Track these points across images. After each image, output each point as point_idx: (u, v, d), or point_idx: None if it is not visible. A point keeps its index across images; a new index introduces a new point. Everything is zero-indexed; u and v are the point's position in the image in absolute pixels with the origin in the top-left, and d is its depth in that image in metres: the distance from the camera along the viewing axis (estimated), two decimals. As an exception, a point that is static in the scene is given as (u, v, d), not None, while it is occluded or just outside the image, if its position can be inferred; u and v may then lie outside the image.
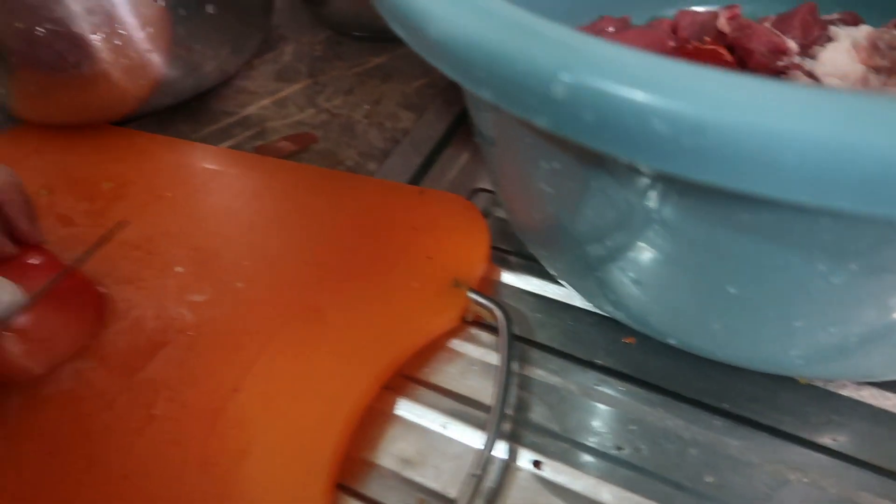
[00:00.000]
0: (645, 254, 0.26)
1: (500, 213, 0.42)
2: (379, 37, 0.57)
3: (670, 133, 0.16)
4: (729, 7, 0.44)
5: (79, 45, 0.44)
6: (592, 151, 0.21)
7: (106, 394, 0.34)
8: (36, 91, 0.47)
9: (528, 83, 0.18)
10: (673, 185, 0.21)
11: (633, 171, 0.22)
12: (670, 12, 0.49)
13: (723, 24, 0.43)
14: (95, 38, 0.44)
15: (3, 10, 0.42)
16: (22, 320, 0.32)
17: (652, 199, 0.22)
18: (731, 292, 0.24)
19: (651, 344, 0.34)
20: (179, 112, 0.53)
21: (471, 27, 0.19)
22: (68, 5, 0.42)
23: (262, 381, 0.33)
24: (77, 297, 0.35)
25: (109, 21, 0.43)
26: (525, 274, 0.38)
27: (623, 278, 0.29)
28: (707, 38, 0.44)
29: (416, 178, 0.45)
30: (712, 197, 0.20)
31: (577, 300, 0.37)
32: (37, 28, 0.42)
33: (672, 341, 0.30)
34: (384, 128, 0.48)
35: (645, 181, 0.22)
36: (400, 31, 0.23)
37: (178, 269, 0.39)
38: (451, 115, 0.48)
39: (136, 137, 0.50)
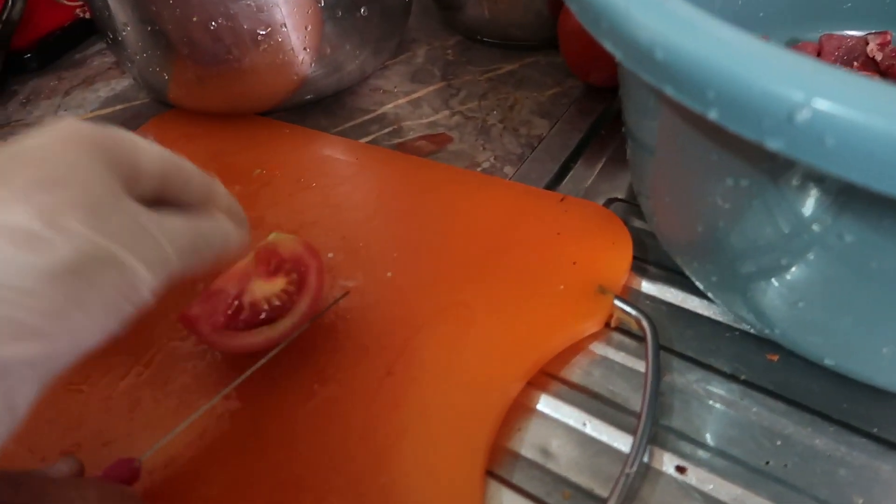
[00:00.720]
0: (821, 276, 0.27)
1: (637, 224, 0.43)
2: (509, 44, 0.59)
3: (923, 163, 0.17)
4: (880, 33, 0.44)
5: (245, 39, 0.47)
6: (814, 172, 0.22)
7: (268, 367, 0.36)
8: (194, 79, 0.51)
9: (769, 107, 0.19)
10: (881, 208, 0.22)
11: (842, 192, 0.22)
12: (810, 35, 0.49)
13: (873, 50, 0.43)
14: (260, 34, 0.47)
15: (182, 5, 0.45)
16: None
17: (852, 222, 0.23)
18: (913, 318, 0.25)
19: (794, 362, 0.35)
20: (318, 106, 0.56)
21: (705, 50, 0.21)
22: (243, 3, 0.45)
23: (413, 367, 0.35)
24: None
25: (275, 19, 0.46)
26: (664, 284, 0.39)
27: (788, 298, 0.29)
28: (856, 64, 0.44)
29: (552, 185, 0.46)
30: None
31: (717, 314, 0.38)
32: (211, 22, 0.45)
33: (829, 363, 0.31)
34: (519, 133, 0.50)
35: (852, 203, 0.23)
36: (617, 53, 0.24)
37: (330, 255, 0.42)
38: (585, 125, 0.49)
39: (281, 128, 0.53)
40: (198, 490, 0.32)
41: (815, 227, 0.25)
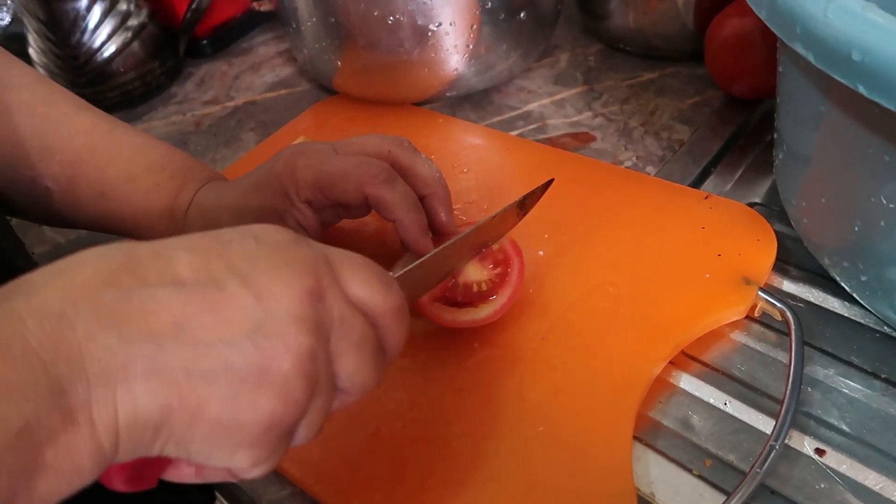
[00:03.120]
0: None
1: (778, 227, 0.44)
2: (648, 54, 0.62)
3: None
4: None
5: (417, 34, 0.52)
6: None
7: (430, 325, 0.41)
8: (362, 68, 0.56)
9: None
10: None
11: None
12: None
13: None
14: (431, 30, 0.51)
15: (367, 1, 0.50)
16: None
17: None
18: None
19: (936, 367, 0.36)
20: (467, 101, 0.60)
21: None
22: (420, 1, 0.49)
23: (567, 336, 0.39)
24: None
25: (446, 17, 0.51)
26: (805, 284, 0.41)
27: (943, 295, 0.31)
28: None
29: (693, 186, 0.48)
30: None
31: (858, 315, 0.39)
32: (390, 17, 0.50)
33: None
34: (660, 136, 0.53)
35: None
36: (809, 55, 0.27)
37: (485, 233, 0.46)
38: (726, 133, 0.52)
39: (435, 117, 0.57)
40: (371, 429, 0.36)
41: None
